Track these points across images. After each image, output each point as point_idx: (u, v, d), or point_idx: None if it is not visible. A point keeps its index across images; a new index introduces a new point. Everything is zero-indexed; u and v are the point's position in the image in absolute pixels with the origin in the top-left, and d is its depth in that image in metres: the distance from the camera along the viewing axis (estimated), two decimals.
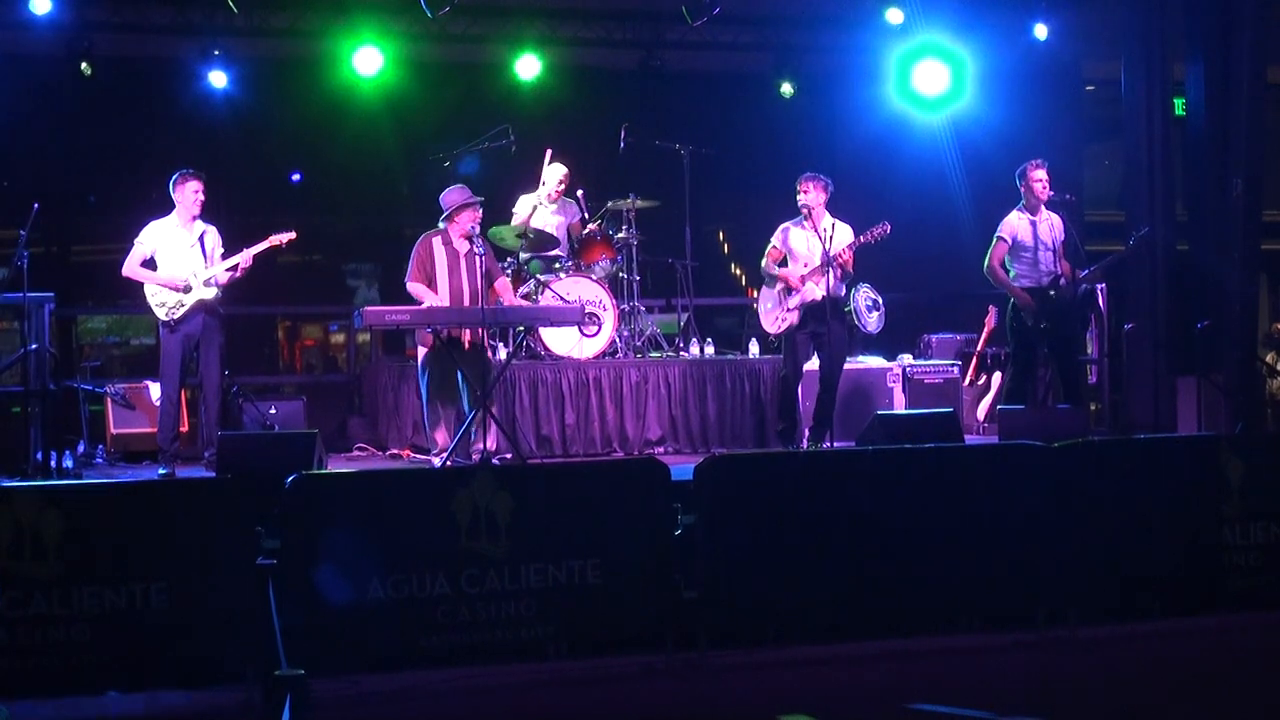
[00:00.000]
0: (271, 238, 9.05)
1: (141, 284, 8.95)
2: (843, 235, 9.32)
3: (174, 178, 9.03)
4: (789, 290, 9.39)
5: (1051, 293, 9.47)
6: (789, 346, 9.53)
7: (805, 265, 9.33)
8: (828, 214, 9.37)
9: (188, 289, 8.88)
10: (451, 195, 8.99)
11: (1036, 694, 5.73)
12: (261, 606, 5.67)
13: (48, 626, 5.56)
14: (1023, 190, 9.62)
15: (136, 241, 9.00)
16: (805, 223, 9.37)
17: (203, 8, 12.04)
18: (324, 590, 5.80)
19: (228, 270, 8.97)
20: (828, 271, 9.11)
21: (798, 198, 9.38)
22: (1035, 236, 9.49)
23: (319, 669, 5.53)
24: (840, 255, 9.18)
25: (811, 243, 9.32)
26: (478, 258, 8.75)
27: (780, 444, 9.59)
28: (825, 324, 9.24)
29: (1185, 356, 11.03)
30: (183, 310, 8.87)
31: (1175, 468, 6.97)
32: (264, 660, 5.58)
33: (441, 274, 8.88)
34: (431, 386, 8.93)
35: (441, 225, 8.97)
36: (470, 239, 8.80)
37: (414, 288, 8.91)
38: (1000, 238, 9.54)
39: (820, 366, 9.54)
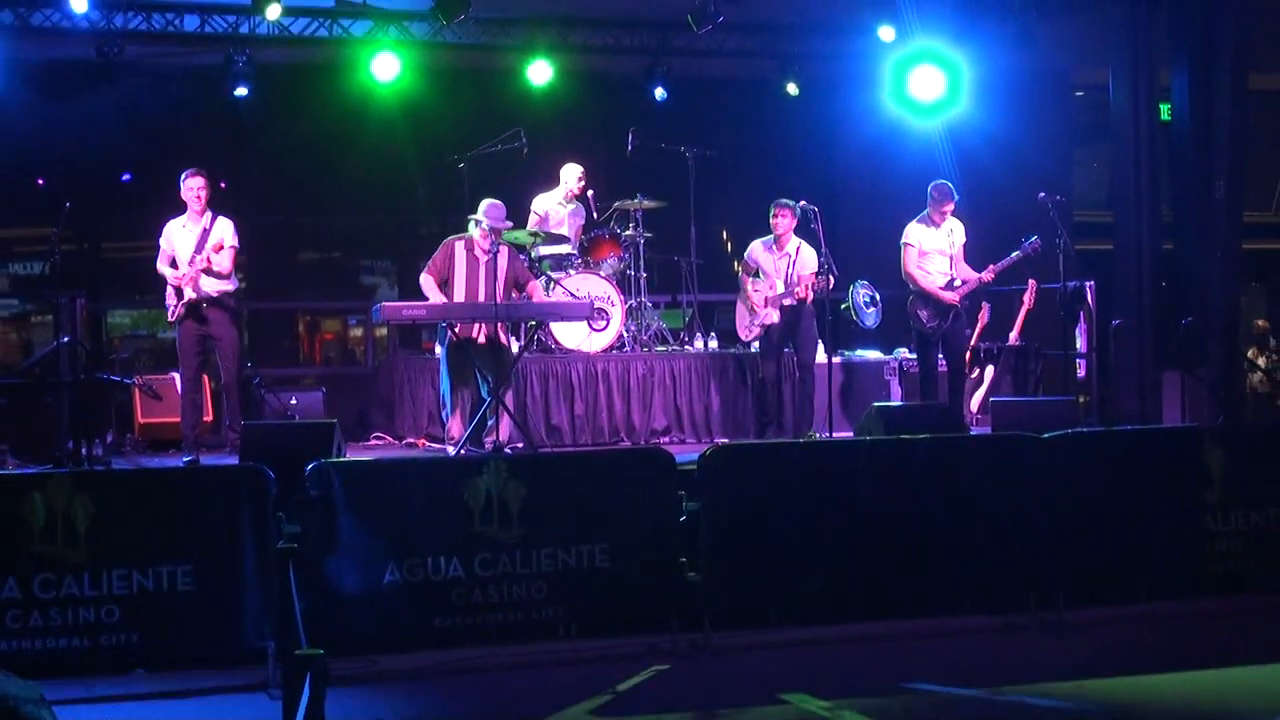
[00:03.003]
0: None
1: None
2: (806, 257, 9.90)
3: (181, 175, 9.01)
4: (752, 309, 10.04)
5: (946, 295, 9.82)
6: (761, 349, 10.14)
7: (771, 287, 9.89)
8: (794, 237, 9.95)
9: (179, 290, 8.86)
10: (492, 211, 9.10)
11: (1027, 673, 5.91)
12: (282, 589, 5.72)
13: (78, 608, 5.74)
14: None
15: (160, 241, 9.01)
16: (774, 245, 9.97)
17: (229, 15, 12.27)
18: (342, 573, 6.01)
19: (203, 259, 8.80)
20: (788, 297, 9.78)
21: (772, 220, 9.90)
22: (935, 244, 9.83)
23: (338, 649, 5.53)
24: (801, 284, 9.77)
25: (778, 264, 9.96)
26: (499, 264, 8.97)
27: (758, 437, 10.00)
28: (792, 329, 9.93)
29: (1170, 352, 11.19)
30: (179, 312, 8.88)
31: (1160, 458, 7.16)
32: (285, 640, 5.60)
33: (459, 278, 9.09)
34: (450, 380, 9.17)
35: (471, 231, 9.16)
36: (491, 251, 9.01)
37: (424, 280, 9.15)
38: (907, 244, 9.87)
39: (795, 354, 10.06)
